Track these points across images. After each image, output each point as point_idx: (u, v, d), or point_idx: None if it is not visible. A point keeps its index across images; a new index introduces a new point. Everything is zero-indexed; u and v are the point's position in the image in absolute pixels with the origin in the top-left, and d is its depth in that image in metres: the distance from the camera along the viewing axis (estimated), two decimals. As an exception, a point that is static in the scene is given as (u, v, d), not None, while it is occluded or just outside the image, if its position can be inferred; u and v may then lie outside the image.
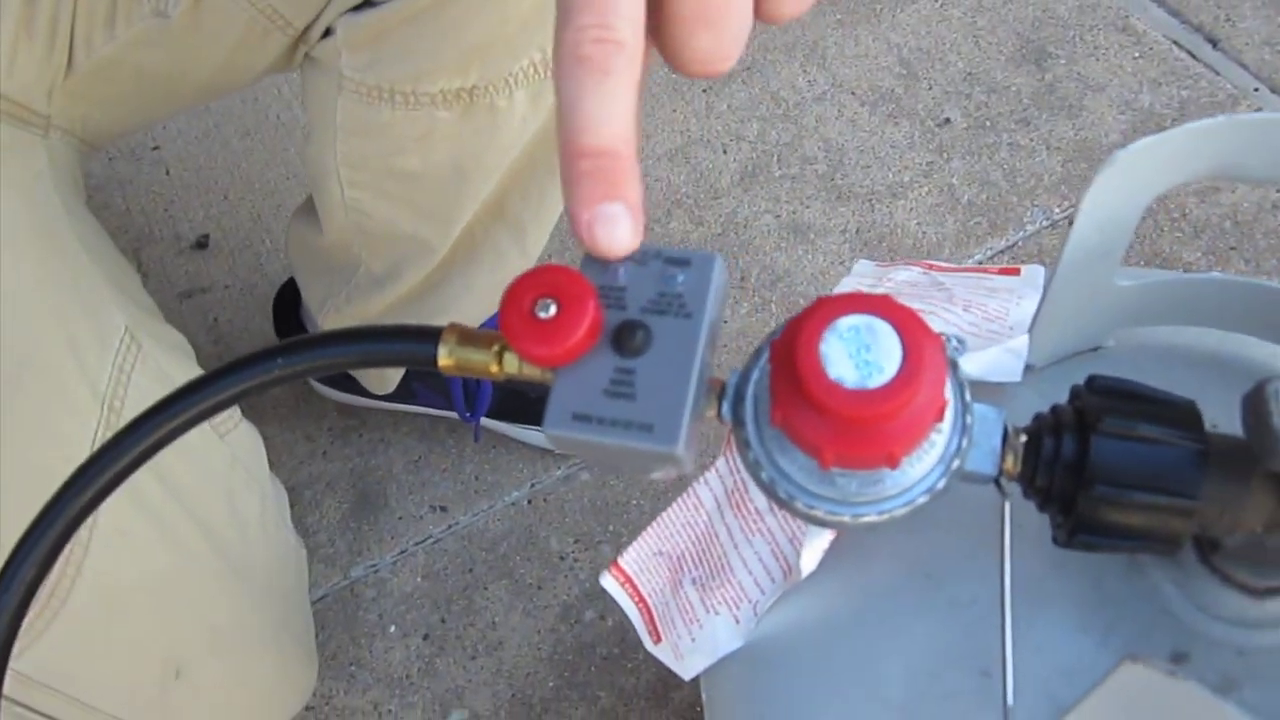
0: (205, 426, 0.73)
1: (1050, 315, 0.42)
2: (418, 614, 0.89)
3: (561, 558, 0.91)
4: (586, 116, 0.30)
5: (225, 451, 0.74)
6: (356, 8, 0.67)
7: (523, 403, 0.94)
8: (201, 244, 1.17)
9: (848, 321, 0.32)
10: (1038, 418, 0.36)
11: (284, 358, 0.40)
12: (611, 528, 0.93)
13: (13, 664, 0.65)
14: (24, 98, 0.67)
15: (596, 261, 0.35)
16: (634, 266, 0.35)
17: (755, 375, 0.36)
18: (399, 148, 0.72)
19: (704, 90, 1.24)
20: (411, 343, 0.39)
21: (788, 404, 0.32)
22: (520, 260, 0.82)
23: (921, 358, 0.31)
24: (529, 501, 0.95)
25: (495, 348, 0.37)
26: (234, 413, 0.76)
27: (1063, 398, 0.38)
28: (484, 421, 0.95)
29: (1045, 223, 1.11)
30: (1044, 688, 0.39)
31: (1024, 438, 0.35)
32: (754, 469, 0.34)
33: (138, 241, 1.16)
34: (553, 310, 0.33)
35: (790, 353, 0.32)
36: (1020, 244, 1.09)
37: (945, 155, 1.17)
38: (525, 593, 0.90)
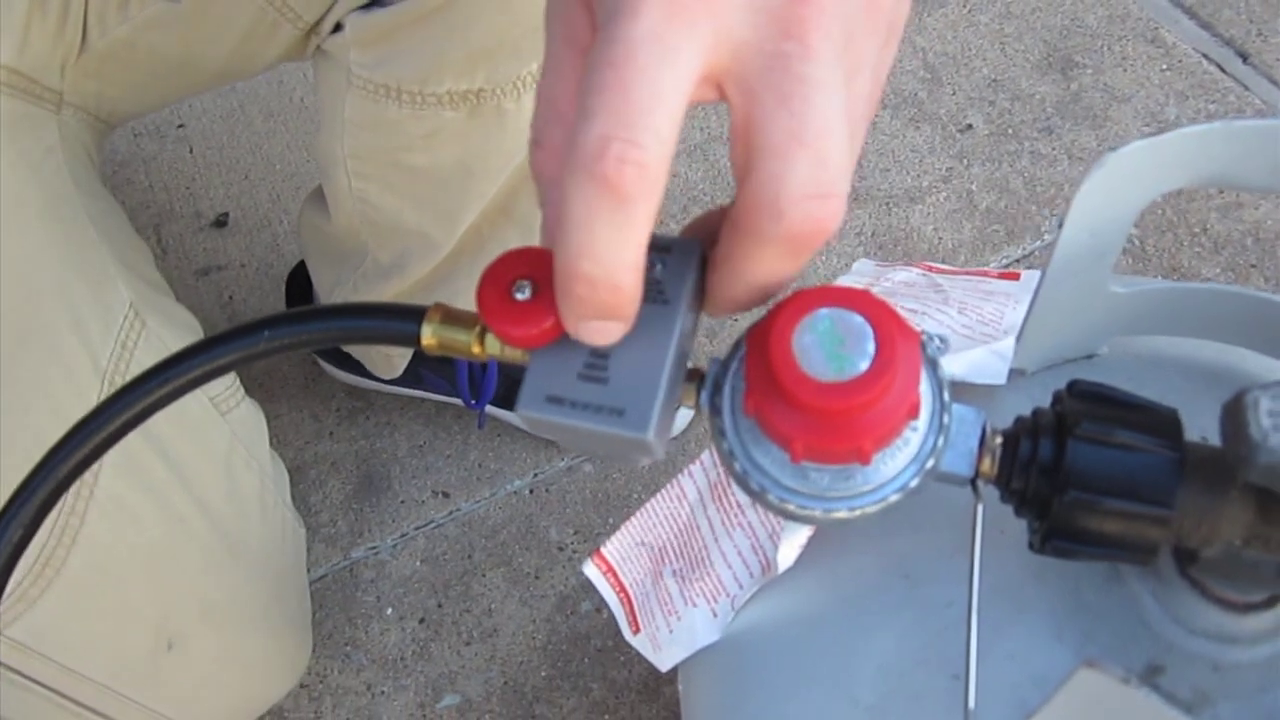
0: (206, 403, 0.74)
1: (1040, 319, 0.42)
2: (415, 598, 0.90)
3: (560, 548, 0.91)
4: (594, 243, 0.27)
5: (225, 429, 0.75)
6: (365, 6, 0.67)
7: (527, 392, 0.94)
8: (221, 222, 1.18)
9: (822, 314, 0.32)
10: (1017, 420, 0.36)
11: (271, 330, 0.40)
12: (611, 520, 0.93)
13: (6, 631, 0.66)
14: (36, 73, 0.68)
15: (578, 245, 0.35)
16: (615, 251, 0.35)
17: (734, 365, 0.35)
18: (406, 144, 0.73)
19: (726, 87, 1.24)
20: (395, 320, 0.39)
21: (760, 394, 0.32)
22: None
23: (894, 353, 0.31)
24: (530, 491, 0.95)
25: (478, 328, 0.37)
26: (236, 391, 0.77)
27: (1049, 403, 0.38)
28: (489, 409, 0.95)
29: (1064, 233, 1.10)
30: (1015, 695, 0.38)
31: (1001, 439, 0.35)
32: (728, 459, 0.34)
33: (158, 218, 1.17)
34: (529, 292, 0.33)
35: (764, 342, 0.32)
36: (1037, 253, 1.08)
37: (965, 161, 1.16)
38: (523, 581, 0.90)
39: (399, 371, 0.94)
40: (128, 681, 0.70)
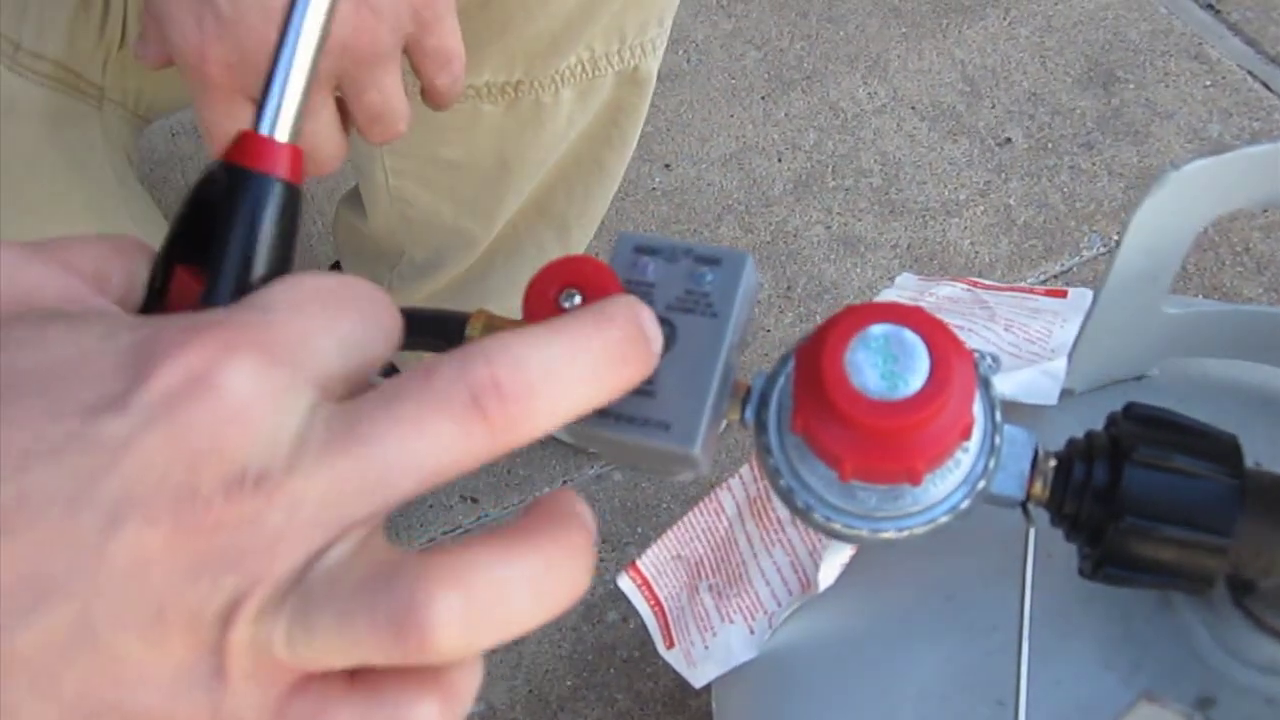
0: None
1: (1092, 339, 0.41)
2: (441, 603, 0.89)
3: (588, 556, 0.91)
4: None
5: None
6: None
7: (559, 399, 0.94)
8: (255, 223, 1.18)
9: (876, 330, 0.31)
10: (1070, 443, 0.35)
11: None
12: (640, 530, 0.92)
13: None
14: (81, 68, 0.68)
15: (626, 255, 0.35)
16: (663, 263, 0.34)
17: (781, 381, 0.35)
18: (443, 137, 0.73)
19: (762, 98, 1.24)
20: (441, 326, 0.38)
21: (809, 411, 0.31)
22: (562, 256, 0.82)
23: (949, 372, 0.30)
24: (559, 498, 0.94)
25: (522, 337, 0.37)
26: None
27: (1101, 425, 0.37)
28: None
29: (1102, 249, 1.09)
30: (1061, 721, 0.38)
31: (1054, 462, 0.34)
32: (773, 476, 0.34)
33: (194, 217, 1.18)
34: (577, 301, 0.33)
35: (815, 359, 0.31)
36: (1075, 270, 1.07)
37: (1004, 175, 1.15)
38: (549, 589, 0.90)
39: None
40: None
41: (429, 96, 0.49)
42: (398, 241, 0.83)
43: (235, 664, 0.19)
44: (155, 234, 0.75)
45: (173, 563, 0.19)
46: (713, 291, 0.34)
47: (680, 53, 1.27)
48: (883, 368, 0.31)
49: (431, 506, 0.95)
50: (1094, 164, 1.15)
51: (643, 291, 0.34)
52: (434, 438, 0.21)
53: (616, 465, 0.96)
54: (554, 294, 0.33)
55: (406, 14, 0.43)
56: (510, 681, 0.85)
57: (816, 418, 0.31)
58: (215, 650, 0.19)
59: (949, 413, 0.30)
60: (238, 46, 0.40)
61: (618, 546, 0.91)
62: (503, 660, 0.86)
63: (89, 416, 0.19)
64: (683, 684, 0.83)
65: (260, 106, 0.27)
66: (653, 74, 0.76)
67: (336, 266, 0.99)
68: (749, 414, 0.35)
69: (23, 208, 0.65)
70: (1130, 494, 0.32)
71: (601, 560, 0.91)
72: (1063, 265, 1.08)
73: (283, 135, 0.27)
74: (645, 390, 0.33)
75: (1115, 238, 1.09)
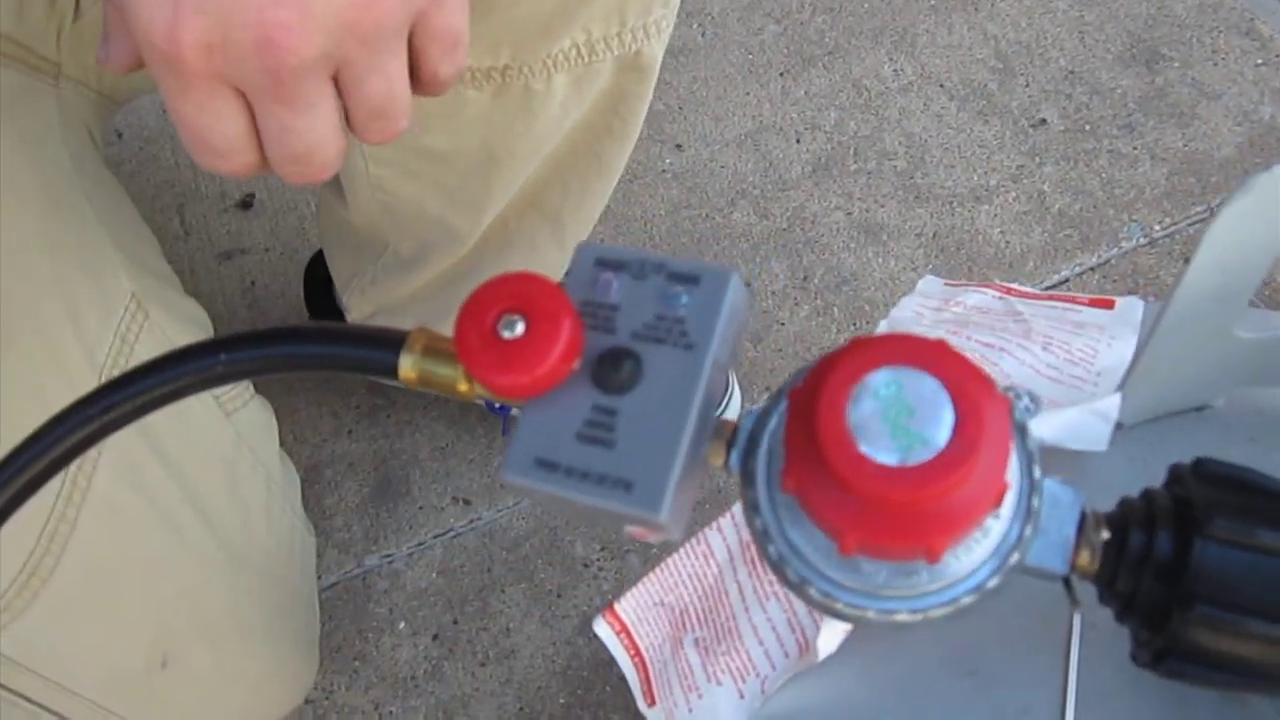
0: (210, 402, 0.69)
1: (1151, 366, 0.34)
2: (429, 612, 0.84)
3: (585, 565, 0.85)
4: None
5: (230, 431, 0.69)
6: None
7: (555, 397, 0.88)
8: (246, 204, 1.12)
9: (887, 375, 0.25)
10: (1124, 503, 0.29)
11: (229, 353, 0.35)
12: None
13: (-9, 645, 0.61)
14: (33, 42, 0.63)
15: (585, 271, 0.29)
16: (629, 280, 0.28)
17: (773, 422, 0.29)
18: (425, 124, 0.66)
19: (781, 74, 1.16)
20: (371, 349, 0.33)
21: (803, 470, 0.25)
22: (557, 254, 0.76)
23: (980, 430, 0.24)
24: (556, 502, 0.89)
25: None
26: (244, 389, 0.72)
27: (1158, 466, 0.31)
28: (515, 413, 0.89)
29: (1143, 240, 1.01)
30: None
31: (1106, 532, 0.28)
32: (761, 540, 0.28)
33: (182, 197, 1.13)
34: (519, 329, 0.27)
35: (810, 409, 0.25)
36: (1113, 262, 1.00)
37: (1038, 159, 1.07)
38: (544, 599, 0.84)
39: (420, 371, 0.88)
40: (119, 699, 0.65)
41: (425, 85, 0.41)
42: (380, 233, 0.77)
43: None
44: (115, 222, 0.69)
45: None
46: (689, 317, 0.28)
47: (695, 25, 1.20)
48: (894, 422, 0.24)
49: (422, 508, 0.90)
50: (1135, 148, 1.07)
51: (604, 316, 0.28)
52: None
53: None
54: (493, 319, 0.27)
55: None
56: (500, 698, 0.79)
57: (812, 479, 0.25)
58: None
59: (978, 479, 0.24)
60: (221, 24, 0.32)
61: (617, 555, 0.86)
62: (493, 675, 0.80)
63: None
64: (682, 707, 0.78)
65: None
66: (657, 59, 0.69)
67: (321, 254, 0.94)
68: (734, 461, 0.29)
69: (-32, 191, 0.59)
70: (1203, 576, 0.26)
71: (599, 569, 0.85)
72: (1100, 257, 1.00)
73: None
74: (603, 439, 0.27)
75: (1158, 228, 1.02)
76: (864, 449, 0.24)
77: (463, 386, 0.31)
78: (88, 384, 0.60)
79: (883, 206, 1.05)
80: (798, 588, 0.28)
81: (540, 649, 0.82)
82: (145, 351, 0.63)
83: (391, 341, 0.32)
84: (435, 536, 0.88)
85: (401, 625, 0.84)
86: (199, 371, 0.34)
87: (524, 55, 0.64)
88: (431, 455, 0.92)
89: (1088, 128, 1.09)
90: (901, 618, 0.27)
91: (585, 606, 0.83)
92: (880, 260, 1.02)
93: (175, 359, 0.34)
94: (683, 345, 0.27)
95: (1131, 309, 0.43)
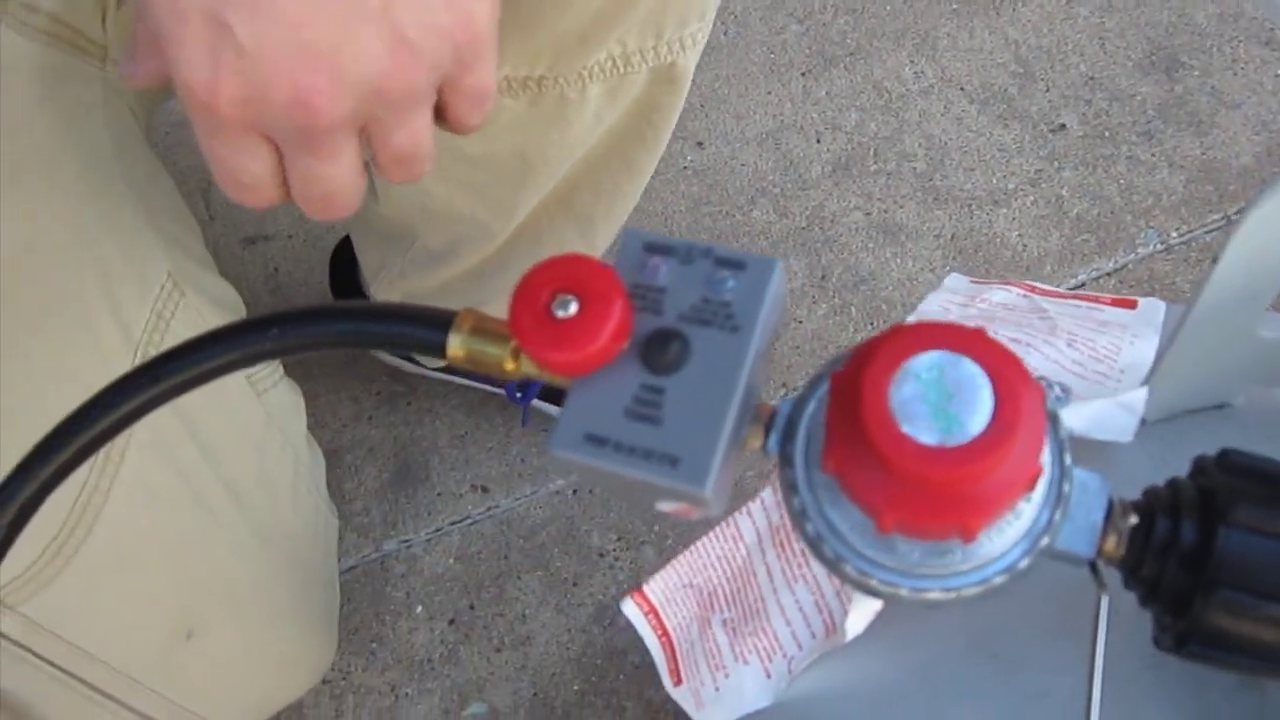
0: (243, 382, 0.70)
1: (1175, 364, 0.35)
2: (446, 597, 0.85)
3: (601, 554, 0.86)
4: None
5: (261, 410, 0.71)
6: None
7: (576, 388, 0.89)
8: (271, 190, 1.14)
9: (929, 359, 0.26)
10: (1149, 492, 0.30)
11: (281, 328, 0.36)
12: (657, 528, 0.87)
13: (20, 608, 0.63)
14: (79, 23, 0.64)
15: (634, 255, 0.30)
16: (677, 265, 0.29)
17: (811, 407, 0.30)
18: None
19: (803, 74, 1.17)
20: (421, 327, 0.34)
21: (844, 451, 0.26)
22: (585, 253, 0.77)
23: (1018, 415, 0.25)
24: (574, 491, 0.90)
25: (514, 343, 0.32)
26: (275, 370, 0.73)
27: (1179, 462, 0.32)
28: (535, 404, 0.90)
29: (1160, 246, 1.02)
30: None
31: (1134, 517, 0.29)
32: (799, 519, 0.29)
33: (207, 182, 1.14)
34: (573, 309, 0.28)
35: (854, 390, 0.26)
36: (1130, 267, 1.01)
37: (1056, 164, 1.08)
38: (560, 587, 0.85)
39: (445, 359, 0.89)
40: (143, 668, 0.67)
41: (452, 127, 0.42)
42: (411, 226, 0.78)
43: None
44: (155, 204, 0.70)
45: None
46: (734, 301, 0.29)
47: (718, 24, 1.21)
48: (935, 405, 0.25)
49: (440, 495, 0.91)
50: (1153, 155, 1.08)
51: (652, 299, 0.29)
52: None
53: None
54: (547, 298, 0.28)
55: (448, 54, 0.37)
56: (515, 683, 0.80)
57: (853, 459, 0.26)
58: None
59: (1014, 461, 0.25)
60: (259, 85, 0.34)
61: (633, 545, 0.87)
62: (508, 660, 0.82)
63: None
64: (695, 696, 0.79)
65: None
66: (690, 70, 0.70)
67: (347, 241, 0.95)
68: (773, 444, 0.30)
69: (10, 170, 0.61)
70: (1226, 561, 0.27)
71: (615, 558, 0.86)
72: (1116, 262, 1.01)
73: None
74: (650, 416, 0.28)
75: (1175, 235, 1.03)
76: (906, 430, 0.25)
77: (509, 365, 0.32)
78: (123, 360, 0.61)
79: (901, 208, 1.06)
80: (834, 565, 0.29)
81: (555, 636, 0.83)
82: (181, 330, 0.64)
83: (440, 320, 0.33)
84: (453, 523, 0.89)
85: (419, 609, 0.85)
86: (253, 344, 0.35)
87: (561, 66, 0.65)
88: (451, 443, 0.94)
89: (1107, 134, 1.10)
90: (934, 596, 0.28)
91: (600, 595, 0.85)
92: (898, 261, 1.03)
93: (233, 331, 0.35)
94: (728, 328, 0.28)
95: (1154, 309, 0.44)
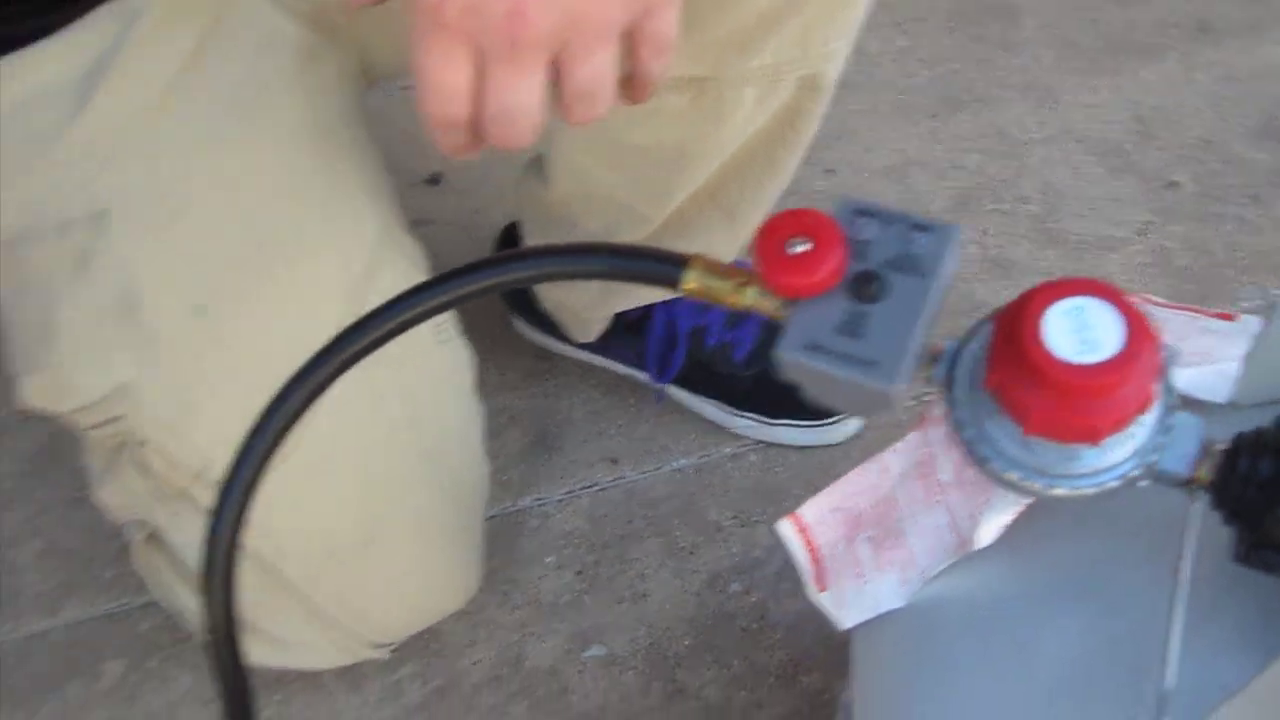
0: (428, 332, 0.80)
1: (1265, 352, 0.43)
2: (574, 551, 0.95)
3: (718, 529, 0.95)
4: None
5: (446, 356, 0.81)
6: None
7: (708, 375, 0.99)
8: (434, 181, 1.26)
9: (1075, 301, 0.35)
10: (1238, 436, 0.38)
11: (540, 259, 0.45)
12: (768, 511, 0.96)
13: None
14: (327, 9, 0.75)
15: (846, 215, 0.39)
16: (880, 225, 0.39)
17: (972, 344, 0.39)
18: (630, 121, 0.78)
19: (931, 116, 1.26)
20: (662, 264, 0.43)
21: (1005, 369, 0.35)
22: (729, 242, 0.87)
23: (1142, 343, 0.34)
24: (696, 470, 0.99)
25: (738, 280, 0.41)
26: (452, 326, 0.83)
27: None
28: (668, 387, 0.99)
29: (1260, 301, 1.08)
30: (1197, 699, 0.40)
31: (1222, 450, 0.37)
32: (958, 427, 0.38)
33: (380, 170, 1.26)
34: (803, 248, 0.37)
35: (1016, 320, 0.35)
36: (1230, 317, 1.07)
37: (1165, 217, 1.15)
38: (677, 554, 0.94)
39: (593, 336, 0.99)
40: (329, 565, 0.75)
41: (634, 85, 0.50)
42: (572, 211, 0.89)
43: None
44: (369, 171, 0.81)
45: None
46: (924, 255, 0.38)
47: (853, 63, 1.30)
48: (1078, 335, 0.34)
49: (574, 463, 1.01)
50: (1260, 217, 1.14)
51: (860, 248, 0.39)
52: None
53: (754, 447, 1.00)
54: (783, 239, 0.38)
55: None
56: (633, 632, 0.89)
57: (1011, 374, 0.35)
58: None
59: (1135, 381, 0.34)
60: None
61: (747, 523, 0.95)
62: (627, 612, 0.91)
63: None
64: (797, 659, 0.87)
65: None
66: (832, 82, 0.80)
67: (511, 228, 1.06)
68: (939, 372, 0.39)
69: (258, 137, 0.71)
70: (1294, 484, 0.35)
71: (730, 534, 0.95)
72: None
73: None
74: (856, 332, 0.37)
75: (1276, 291, 1.09)
76: (1053, 350, 0.34)
77: (733, 298, 0.41)
78: (338, 299, 0.71)
79: (1016, 245, 1.14)
80: (982, 463, 0.37)
81: (670, 596, 0.92)
82: (388, 281, 0.74)
83: (675, 260, 0.43)
84: (583, 488, 0.99)
85: (549, 559, 0.95)
86: (517, 270, 0.45)
87: (721, 69, 0.75)
88: (586, 417, 1.04)
89: (1217, 194, 1.16)
90: (1060, 492, 0.37)
91: (715, 565, 0.93)
92: (1009, 293, 1.10)
93: (500, 260, 0.45)
94: (918, 274, 0.38)
95: (1250, 323, 0.52)
